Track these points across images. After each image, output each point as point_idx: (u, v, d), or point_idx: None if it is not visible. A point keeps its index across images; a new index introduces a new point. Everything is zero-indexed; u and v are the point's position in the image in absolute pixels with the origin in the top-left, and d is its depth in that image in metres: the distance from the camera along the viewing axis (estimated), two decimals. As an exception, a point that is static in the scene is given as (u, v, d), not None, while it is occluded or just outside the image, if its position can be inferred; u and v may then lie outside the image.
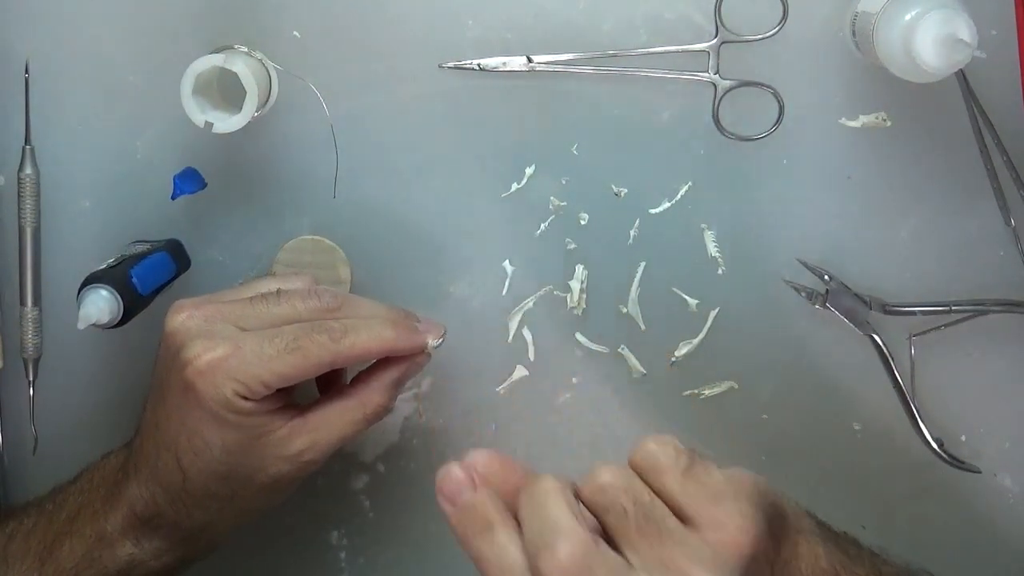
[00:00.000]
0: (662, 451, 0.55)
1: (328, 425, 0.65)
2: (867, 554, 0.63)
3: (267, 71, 0.71)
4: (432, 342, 0.67)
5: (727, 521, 0.54)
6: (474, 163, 0.74)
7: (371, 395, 0.66)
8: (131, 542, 0.65)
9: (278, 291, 0.65)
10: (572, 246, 0.75)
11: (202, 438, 0.62)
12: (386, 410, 0.67)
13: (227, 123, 0.68)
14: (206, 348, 0.61)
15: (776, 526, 0.57)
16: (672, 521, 0.53)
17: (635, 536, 0.53)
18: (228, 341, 0.62)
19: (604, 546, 0.52)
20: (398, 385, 0.67)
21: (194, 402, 0.62)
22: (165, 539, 0.66)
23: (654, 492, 0.54)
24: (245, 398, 0.62)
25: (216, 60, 0.67)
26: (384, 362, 0.67)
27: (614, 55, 0.72)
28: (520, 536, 0.52)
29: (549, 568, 0.50)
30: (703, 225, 0.74)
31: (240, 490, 0.64)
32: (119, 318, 0.67)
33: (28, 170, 0.73)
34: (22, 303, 0.74)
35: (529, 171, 0.74)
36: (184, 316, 0.63)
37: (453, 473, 0.54)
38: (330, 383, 0.69)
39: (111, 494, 0.66)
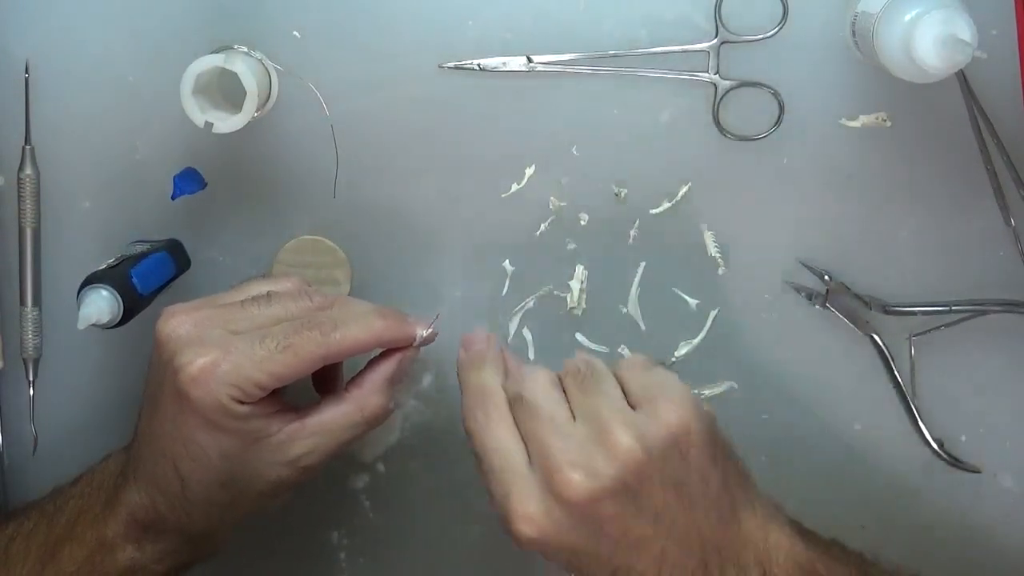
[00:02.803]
0: (636, 357, 0.64)
1: (327, 430, 0.64)
2: (855, 556, 0.63)
3: (267, 71, 0.71)
4: (422, 331, 0.67)
5: (663, 405, 0.59)
6: (474, 163, 0.74)
7: (367, 396, 0.66)
8: (132, 547, 0.65)
9: (268, 293, 0.65)
10: (572, 246, 0.75)
11: (199, 445, 0.62)
12: (385, 411, 0.66)
13: (227, 123, 0.68)
14: (197, 354, 0.61)
15: (726, 468, 0.61)
16: (615, 388, 0.61)
17: (576, 389, 0.61)
18: (219, 346, 0.61)
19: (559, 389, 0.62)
20: (393, 383, 0.66)
21: (189, 409, 0.61)
22: (166, 544, 0.66)
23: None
24: (241, 402, 0.61)
25: (216, 60, 0.67)
26: (376, 361, 0.67)
27: (614, 55, 0.72)
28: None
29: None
30: (703, 225, 0.74)
31: (240, 496, 0.64)
32: (119, 318, 0.67)
33: (28, 170, 0.73)
34: (22, 303, 0.74)
35: (529, 171, 0.74)
36: (175, 323, 0.63)
37: (480, 332, 0.66)
38: (328, 386, 0.68)
39: (111, 499, 0.66)
